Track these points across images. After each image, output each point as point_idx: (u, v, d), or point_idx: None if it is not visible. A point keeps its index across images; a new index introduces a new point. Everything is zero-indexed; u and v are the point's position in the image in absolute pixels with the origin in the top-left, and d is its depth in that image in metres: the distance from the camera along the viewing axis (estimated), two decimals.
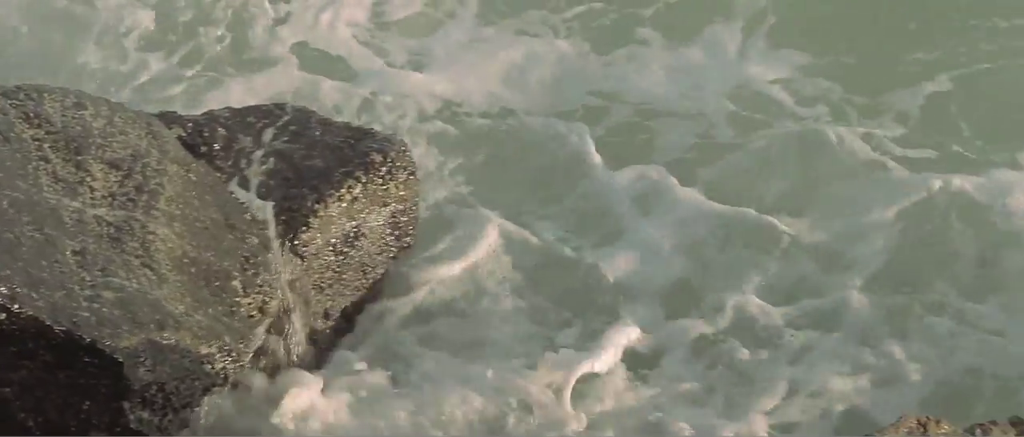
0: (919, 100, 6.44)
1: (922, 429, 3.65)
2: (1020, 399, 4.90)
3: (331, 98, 6.87)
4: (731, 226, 5.86)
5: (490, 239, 5.79)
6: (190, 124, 5.53)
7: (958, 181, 5.86)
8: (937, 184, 5.87)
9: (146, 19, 7.53)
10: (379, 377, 5.12)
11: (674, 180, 6.11)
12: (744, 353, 5.24)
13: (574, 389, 5.10)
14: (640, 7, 7.38)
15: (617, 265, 5.70)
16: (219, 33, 7.44)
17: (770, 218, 5.84)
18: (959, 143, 6.11)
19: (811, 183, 6.04)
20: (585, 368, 5.17)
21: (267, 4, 7.63)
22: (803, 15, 7.23)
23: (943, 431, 3.65)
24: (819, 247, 5.69)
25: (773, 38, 7.05)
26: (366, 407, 4.97)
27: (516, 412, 4.96)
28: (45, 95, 5.00)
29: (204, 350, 4.50)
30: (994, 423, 3.65)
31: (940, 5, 7.10)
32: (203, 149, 5.43)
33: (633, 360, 5.27)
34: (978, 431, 3.61)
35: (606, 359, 5.25)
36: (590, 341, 5.34)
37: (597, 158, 6.27)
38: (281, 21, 7.54)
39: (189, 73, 7.16)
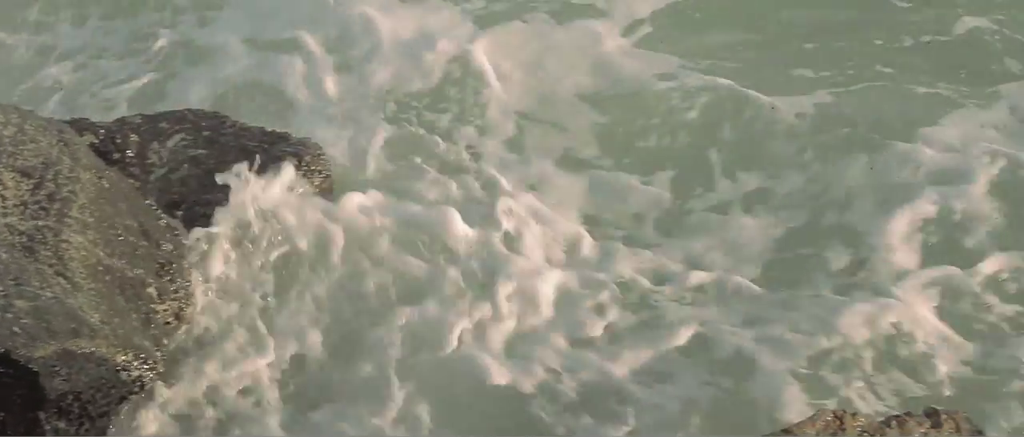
0: (807, 105, 6.60)
1: (838, 422, 3.70)
2: (913, 390, 4.98)
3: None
4: (624, 198, 6.04)
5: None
6: (102, 131, 5.48)
7: (830, 186, 6.04)
8: (810, 185, 6.06)
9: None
10: None
11: (573, 156, 6.35)
12: (629, 323, 5.31)
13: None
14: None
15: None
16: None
17: (660, 194, 6.04)
18: (834, 149, 6.26)
19: (699, 167, 6.22)
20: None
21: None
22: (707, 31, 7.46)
23: (859, 424, 3.71)
24: (709, 231, 5.83)
25: (662, 42, 7.26)
26: None
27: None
28: None
29: (120, 358, 4.45)
30: (909, 414, 3.72)
31: (826, 25, 7.33)
32: (116, 156, 5.38)
33: (523, 326, 5.31)
34: (894, 423, 3.67)
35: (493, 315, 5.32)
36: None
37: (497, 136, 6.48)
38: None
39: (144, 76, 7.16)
